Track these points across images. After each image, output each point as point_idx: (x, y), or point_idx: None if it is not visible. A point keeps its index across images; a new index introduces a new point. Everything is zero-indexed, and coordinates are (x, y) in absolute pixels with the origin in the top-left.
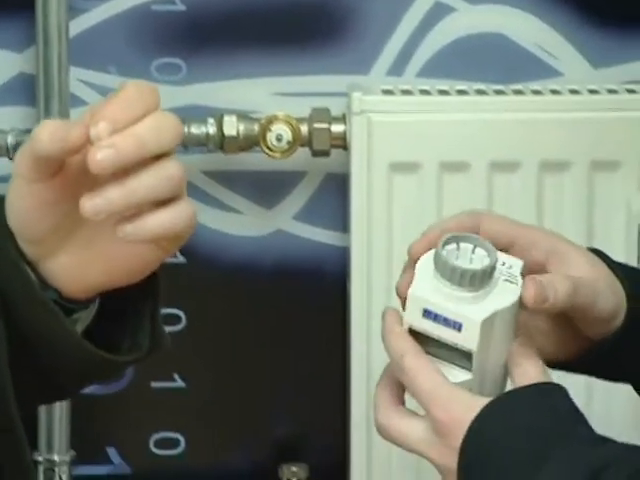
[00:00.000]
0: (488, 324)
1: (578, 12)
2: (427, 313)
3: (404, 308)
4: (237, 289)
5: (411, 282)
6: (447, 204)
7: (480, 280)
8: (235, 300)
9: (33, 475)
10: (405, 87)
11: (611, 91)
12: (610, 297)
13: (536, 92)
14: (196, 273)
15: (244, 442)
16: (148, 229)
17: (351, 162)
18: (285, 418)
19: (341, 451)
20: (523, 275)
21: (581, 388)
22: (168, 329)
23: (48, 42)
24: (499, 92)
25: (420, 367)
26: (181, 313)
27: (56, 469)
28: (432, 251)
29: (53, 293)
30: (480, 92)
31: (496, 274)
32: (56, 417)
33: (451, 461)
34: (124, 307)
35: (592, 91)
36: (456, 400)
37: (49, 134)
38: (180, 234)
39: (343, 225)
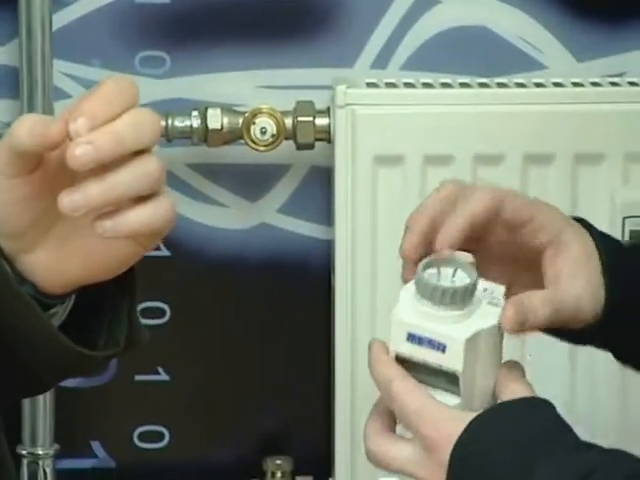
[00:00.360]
0: (472, 344)
1: (562, 5)
2: (411, 337)
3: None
4: (221, 282)
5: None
6: None
7: (462, 298)
8: (219, 293)
9: (8, 466)
10: (389, 80)
11: (595, 84)
12: (590, 307)
13: (520, 85)
14: (180, 266)
15: (228, 435)
16: (127, 225)
17: (335, 155)
18: (269, 411)
19: (325, 444)
20: (506, 299)
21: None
22: (152, 322)
23: (31, 35)
24: (483, 85)
25: (408, 389)
26: (165, 306)
27: (40, 462)
28: (414, 280)
29: (30, 288)
30: (464, 85)
31: (478, 296)
32: (40, 411)
33: (441, 477)
34: (100, 302)
35: (576, 84)
36: (445, 417)
37: (28, 129)
38: (159, 230)
39: (327, 218)
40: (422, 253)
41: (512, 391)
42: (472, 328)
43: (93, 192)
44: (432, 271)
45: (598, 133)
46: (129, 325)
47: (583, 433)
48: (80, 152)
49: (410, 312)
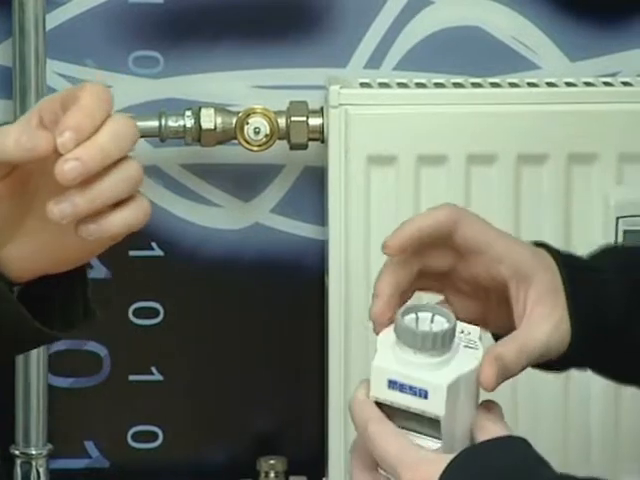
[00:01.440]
0: (454, 389)
1: (555, 5)
2: (392, 384)
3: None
4: (215, 282)
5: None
6: (425, 197)
7: (441, 343)
8: (213, 293)
9: None
10: (383, 80)
11: (588, 84)
12: (558, 344)
13: (513, 85)
14: (174, 266)
15: (222, 435)
16: (111, 228)
17: (329, 155)
18: (263, 411)
19: (319, 444)
20: (481, 339)
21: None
22: (146, 322)
23: (25, 35)
24: (476, 85)
25: (384, 432)
26: (159, 306)
27: (33, 463)
28: (392, 326)
29: None
30: (457, 85)
31: (456, 340)
32: (33, 410)
33: None
34: (55, 282)
35: (569, 84)
36: (423, 460)
37: (14, 141)
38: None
39: (321, 218)
40: (391, 316)
41: (488, 432)
42: (453, 374)
43: (80, 200)
44: (411, 317)
45: (592, 133)
46: (84, 302)
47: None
48: (69, 168)
49: (390, 359)
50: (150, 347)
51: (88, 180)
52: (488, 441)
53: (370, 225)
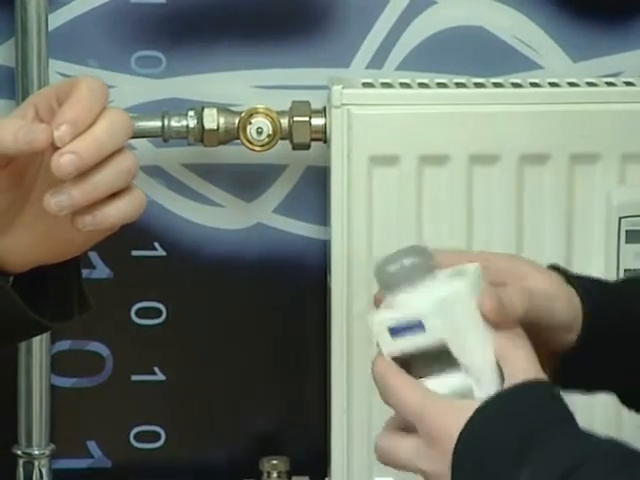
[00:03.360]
0: (443, 308)
1: (558, 5)
2: (393, 331)
3: None
4: (217, 282)
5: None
6: (427, 197)
7: (417, 272)
8: (215, 293)
9: None
10: (385, 80)
11: (590, 84)
12: (565, 307)
13: (516, 85)
14: (176, 266)
15: (224, 435)
16: (107, 219)
17: (331, 155)
18: (266, 411)
19: (321, 444)
20: (479, 276)
21: None
22: (149, 322)
23: (27, 35)
24: (479, 85)
25: (403, 384)
26: (161, 306)
27: (36, 463)
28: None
29: None
30: (460, 85)
31: (440, 275)
32: (36, 411)
33: (443, 466)
34: (49, 274)
35: (572, 84)
36: (445, 408)
37: (12, 135)
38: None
39: (323, 218)
40: None
41: (512, 364)
42: (437, 295)
43: (77, 193)
44: (384, 261)
45: (594, 133)
46: (79, 293)
47: None
48: (65, 162)
49: (381, 312)
50: (152, 347)
51: (84, 172)
52: (514, 390)
53: (372, 225)
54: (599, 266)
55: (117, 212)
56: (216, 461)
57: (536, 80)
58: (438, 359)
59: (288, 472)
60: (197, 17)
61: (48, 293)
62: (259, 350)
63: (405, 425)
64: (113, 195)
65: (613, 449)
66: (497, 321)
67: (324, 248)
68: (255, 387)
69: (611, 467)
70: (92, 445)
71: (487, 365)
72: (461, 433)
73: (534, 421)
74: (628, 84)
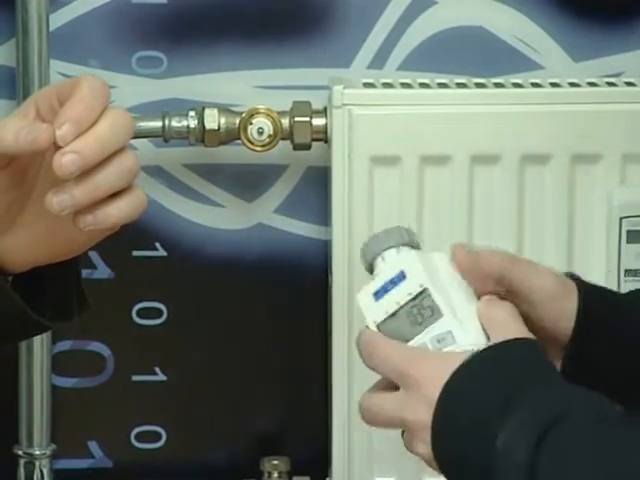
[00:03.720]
0: (423, 259)
1: (559, 5)
2: (377, 293)
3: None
4: (218, 282)
5: None
6: (428, 197)
7: (393, 238)
8: (216, 293)
9: None
10: (386, 80)
11: (591, 84)
12: (546, 273)
13: (517, 85)
14: (177, 266)
15: (225, 435)
16: (108, 219)
17: (332, 155)
18: (266, 411)
19: (322, 444)
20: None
21: None
22: (149, 322)
23: (28, 35)
24: (480, 85)
25: (387, 344)
26: (162, 306)
27: (37, 463)
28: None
29: None
30: (461, 85)
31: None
32: (37, 411)
33: (427, 414)
34: (50, 273)
35: (573, 84)
36: (431, 358)
37: (14, 135)
38: (134, 218)
39: (324, 218)
40: None
41: (496, 322)
42: (415, 253)
43: (79, 192)
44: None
45: (595, 133)
46: (78, 291)
47: None
48: (67, 161)
49: (365, 286)
50: (153, 347)
51: (86, 172)
52: (501, 345)
53: (373, 225)
54: (600, 266)
55: (118, 212)
56: (217, 461)
57: (537, 80)
58: (420, 317)
59: (289, 472)
60: (198, 17)
61: (48, 293)
62: (260, 350)
63: (389, 386)
64: (114, 195)
65: (596, 402)
66: (469, 270)
67: (325, 248)
68: (256, 387)
69: (593, 419)
70: (93, 445)
71: (469, 314)
72: (447, 383)
73: (519, 373)
74: (629, 84)
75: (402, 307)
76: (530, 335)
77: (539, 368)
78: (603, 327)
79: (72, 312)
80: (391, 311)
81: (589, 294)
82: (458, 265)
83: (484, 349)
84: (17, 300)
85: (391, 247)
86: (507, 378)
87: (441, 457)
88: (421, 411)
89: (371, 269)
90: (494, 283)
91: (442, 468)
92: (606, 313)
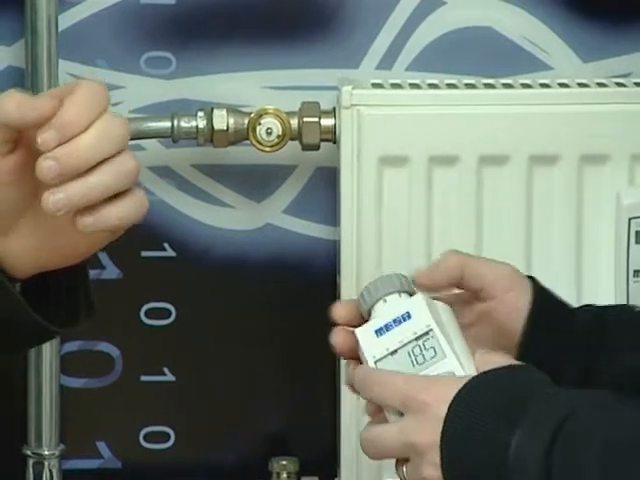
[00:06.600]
0: (428, 302)
1: (568, 6)
2: (379, 331)
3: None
4: (227, 283)
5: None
6: (436, 198)
7: (390, 284)
8: (225, 294)
9: None
10: (395, 81)
11: (600, 85)
12: (502, 267)
13: (526, 86)
14: (186, 267)
15: (234, 436)
16: (107, 221)
17: (341, 156)
18: (275, 412)
19: (331, 445)
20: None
21: None
22: (158, 323)
23: (37, 35)
24: (489, 86)
25: (387, 374)
26: (171, 307)
27: (45, 463)
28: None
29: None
30: (470, 86)
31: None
32: (45, 411)
33: (434, 435)
34: (57, 276)
35: (582, 85)
36: (433, 382)
37: (16, 104)
38: (135, 221)
39: (333, 219)
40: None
41: (492, 362)
42: (423, 297)
43: (74, 192)
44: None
45: (604, 134)
46: (86, 296)
47: None
48: (45, 167)
49: (365, 324)
50: (162, 348)
51: (83, 173)
52: (503, 367)
53: (382, 226)
54: (609, 267)
55: (117, 213)
56: (225, 461)
57: (546, 81)
58: (421, 352)
59: (297, 473)
60: (207, 18)
61: (54, 298)
62: (269, 350)
63: (384, 420)
64: (115, 197)
65: (596, 396)
66: (430, 278)
67: (334, 249)
68: (264, 387)
69: (599, 407)
70: (102, 445)
71: (469, 360)
72: (454, 398)
73: (524, 385)
74: (638, 85)
75: (404, 345)
76: None
77: (540, 379)
78: (553, 322)
79: (78, 318)
80: (392, 349)
81: (541, 290)
82: (420, 279)
83: (485, 371)
84: (23, 305)
85: (394, 292)
86: (513, 390)
87: (452, 476)
88: (429, 432)
89: (369, 313)
90: (456, 282)
91: None
92: (555, 310)
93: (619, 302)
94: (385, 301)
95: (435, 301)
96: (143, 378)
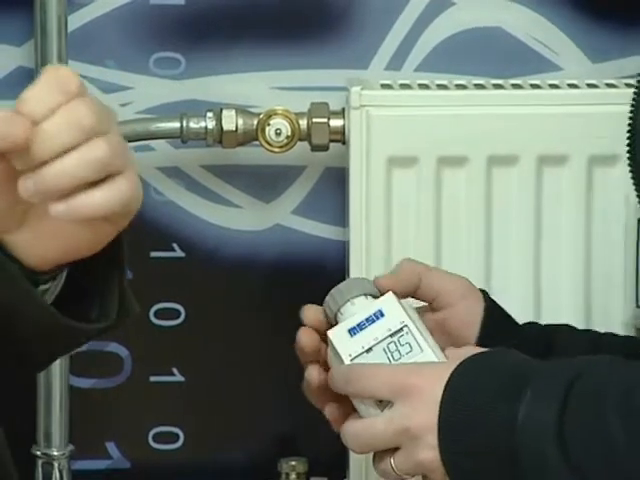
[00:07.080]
0: (399, 302)
1: (577, 7)
2: (352, 330)
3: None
4: (236, 283)
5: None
6: (445, 198)
7: (355, 288)
8: (234, 294)
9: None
10: (404, 81)
11: (610, 85)
12: (457, 278)
13: (535, 86)
14: (195, 267)
15: (243, 436)
16: (81, 209)
17: (350, 156)
18: (284, 412)
19: (340, 445)
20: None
21: None
22: (167, 323)
23: (47, 36)
24: (498, 86)
25: (370, 366)
26: (180, 307)
27: (55, 463)
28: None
29: (14, 266)
30: (479, 86)
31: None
32: (54, 411)
33: (431, 415)
34: (92, 275)
35: (591, 85)
36: (425, 366)
37: None
38: (121, 209)
39: (342, 219)
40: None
41: (466, 354)
42: (393, 295)
43: (40, 180)
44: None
45: (613, 134)
46: (120, 297)
47: None
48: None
49: (336, 326)
50: (171, 348)
51: (48, 161)
52: (489, 350)
53: (391, 226)
54: (618, 268)
55: (90, 201)
56: (234, 462)
57: (555, 81)
58: (397, 353)
59: (307, 473)
60: (216, 18)
61: (93, 293)
62: (278, 351)
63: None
64: (93, 184)
65: (598, 358)
66: (392, 284)
67: (343, 249)
68: (273, 388)
69: (615, 364)
70: (111, 446)
71: (439, 349)
72: (450, 378)
73: (519, 363)
74: None
75: (379, 342)
76: None
77: (530, 358)
78: (504, 331)
79: (108, 317)
80: (368, 346)
81: (492, 301)
82: (379, 285)
83: (474, 353)
84: (44, 303)
85: (360, 294)
86: (509, 366)
87: (452, 456)
88: (425, 415)
89: (335, 319)
90: (413, 290)
91: (452, 469)
92: (505, 320)
93: (629, 302)
94: (353, 303)
95: (403, 300)
96: (152, 378)
